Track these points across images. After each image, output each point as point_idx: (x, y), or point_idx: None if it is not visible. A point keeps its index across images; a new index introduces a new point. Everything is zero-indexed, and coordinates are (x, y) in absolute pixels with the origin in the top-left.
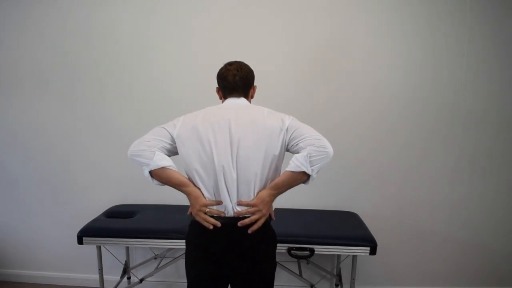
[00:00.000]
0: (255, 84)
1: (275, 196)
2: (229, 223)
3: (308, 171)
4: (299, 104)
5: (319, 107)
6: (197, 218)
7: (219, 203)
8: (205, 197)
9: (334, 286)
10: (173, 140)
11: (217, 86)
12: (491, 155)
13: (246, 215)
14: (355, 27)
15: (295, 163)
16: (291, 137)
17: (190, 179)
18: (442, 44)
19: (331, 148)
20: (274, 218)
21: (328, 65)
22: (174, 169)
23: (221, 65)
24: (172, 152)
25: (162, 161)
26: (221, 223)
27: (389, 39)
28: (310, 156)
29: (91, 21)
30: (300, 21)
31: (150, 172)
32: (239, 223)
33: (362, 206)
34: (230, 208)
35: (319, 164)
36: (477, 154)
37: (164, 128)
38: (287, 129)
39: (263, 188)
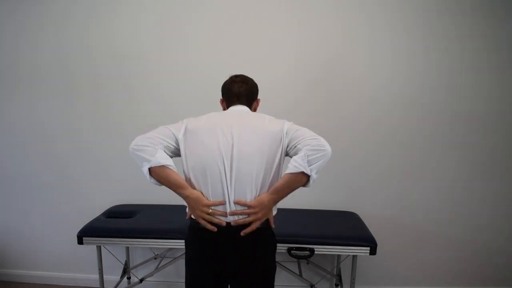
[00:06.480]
0: (259, 97)
1: (275, 200)
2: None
3: (307, 171)
4: (299, 105)
5: (318, 108)
6: (201, 221)
7: (221, 203)
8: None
9: (334, 286)
10: (176, 142)
11: (221, 97)
12: (491, 156)
13: (241, 216)
14: (355, 30)
15: (293, 164)
16: (290, 140)
17: (188, 181)
18: (442, 46)
19: (329, 146)
20: (273, 225)
21: (329, 67)
22: (174, 169)
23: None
24: (174, 153)
25: (164, 159)
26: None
27: (390, 41)
28: (307, 156)
29: (90, 20)
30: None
31: (150, 170)
32: (233, 222)
33: (362, 206)
34: (227, 208)
35: (317, 163)
36: (477, 155)
37: (169, 129)
38: (286, 132)
39: (260, 191)
